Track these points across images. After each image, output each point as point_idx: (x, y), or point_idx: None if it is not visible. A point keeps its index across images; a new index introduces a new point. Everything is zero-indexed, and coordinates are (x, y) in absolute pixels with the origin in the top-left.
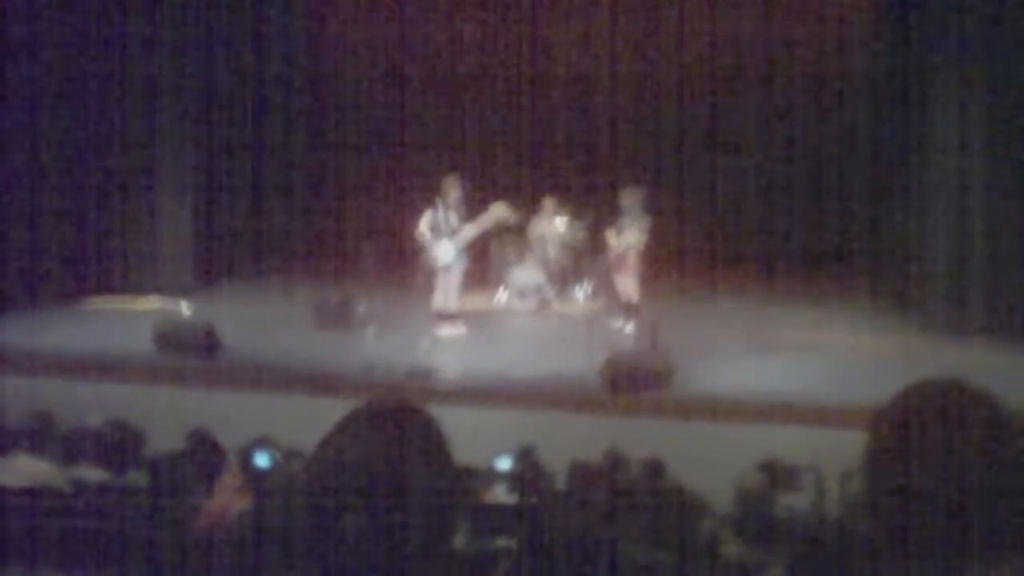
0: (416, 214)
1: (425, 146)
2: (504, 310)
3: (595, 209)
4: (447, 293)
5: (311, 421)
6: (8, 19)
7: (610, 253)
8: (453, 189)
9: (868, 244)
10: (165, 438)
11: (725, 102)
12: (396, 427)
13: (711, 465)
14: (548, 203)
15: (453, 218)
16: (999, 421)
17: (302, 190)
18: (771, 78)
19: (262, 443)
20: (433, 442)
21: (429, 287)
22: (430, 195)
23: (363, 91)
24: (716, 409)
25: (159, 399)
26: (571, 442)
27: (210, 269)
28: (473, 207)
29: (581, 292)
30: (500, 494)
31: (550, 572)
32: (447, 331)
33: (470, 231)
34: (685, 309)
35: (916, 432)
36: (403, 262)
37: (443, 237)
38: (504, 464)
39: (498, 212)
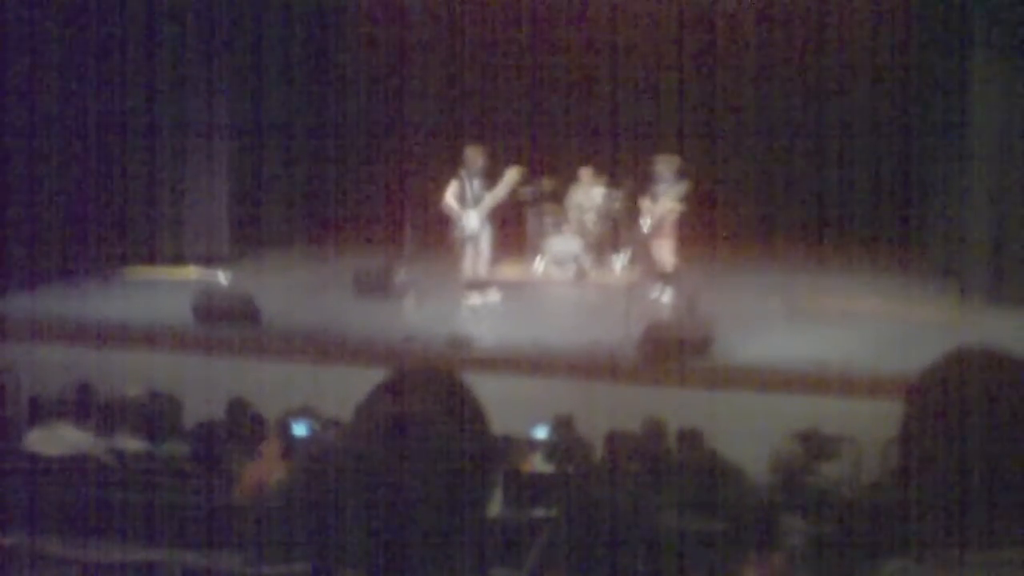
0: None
1: (463, 114)
2: (541, 280)
3: (632, 178)
4: (476, 262)
5: (350, 390)
6: None
7: (646, 222)
8: (477, 159)
9: (908, 212)
10: (204, 408)
11: (763, 70)
12: (431, 394)
13: (749, 435)
14: (585, 172)
15: (477, 188)
16: None
17: (340, 157)
18: (810, 46)
19: (301, 412)
20: (469, 409)
21: (461, 256)
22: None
23: (403, 57)
24: (754, 378)
25: (198, 369)
26: (609, 412)
27: (248, 238)
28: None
29: (618, 261)
30: (538, 463)
31: (588, 542)
32: (477, 300)
33: (490, 200)
34: (723, 278)
35: (952, 400)
36: (442, 230)
37: (469, 207)
38: (542, 433)
39: (513, 177)
